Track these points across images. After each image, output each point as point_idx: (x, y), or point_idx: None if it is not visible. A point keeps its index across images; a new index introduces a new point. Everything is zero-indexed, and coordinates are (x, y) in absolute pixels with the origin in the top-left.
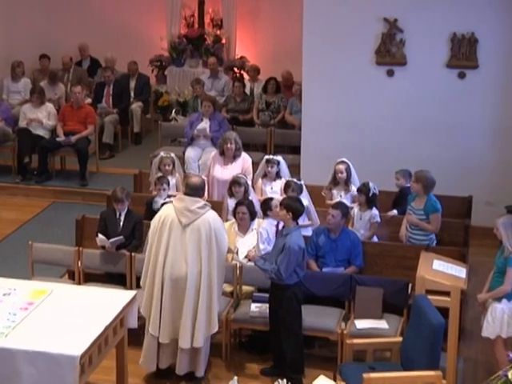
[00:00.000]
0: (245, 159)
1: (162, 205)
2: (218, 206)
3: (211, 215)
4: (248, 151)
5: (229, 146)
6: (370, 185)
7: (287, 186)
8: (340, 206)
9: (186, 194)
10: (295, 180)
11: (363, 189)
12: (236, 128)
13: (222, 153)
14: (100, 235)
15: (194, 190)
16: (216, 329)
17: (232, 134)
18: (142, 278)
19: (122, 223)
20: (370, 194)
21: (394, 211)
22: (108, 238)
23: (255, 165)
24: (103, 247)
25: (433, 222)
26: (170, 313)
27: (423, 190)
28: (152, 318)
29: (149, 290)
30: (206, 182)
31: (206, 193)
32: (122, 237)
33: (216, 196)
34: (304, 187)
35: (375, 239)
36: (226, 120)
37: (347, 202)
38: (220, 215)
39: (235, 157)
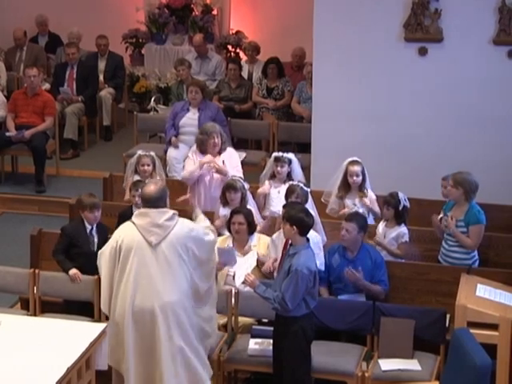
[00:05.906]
0: (227, 154)
1: None
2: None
3: (183, 223)
4: (246, 149)
5: (216, 140)
6: (400, 195)
7: (290, 191)
8: (355, 217)
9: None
10: (302, 185)
11: (391, 201)
12: (230, 120)
13: (204, 150)
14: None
15: (152, 203)
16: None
17: (215, 127)
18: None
19: (95, 240)
20: (400, 208)
21: None
22: (81, 260)
23: (256, 166)
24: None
25: (472, 235)
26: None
27: (464, 196)
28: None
29: (119, 339)
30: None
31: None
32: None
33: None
34: (310, 196)
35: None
36: (221, 111)
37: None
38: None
39: (220, 152)
